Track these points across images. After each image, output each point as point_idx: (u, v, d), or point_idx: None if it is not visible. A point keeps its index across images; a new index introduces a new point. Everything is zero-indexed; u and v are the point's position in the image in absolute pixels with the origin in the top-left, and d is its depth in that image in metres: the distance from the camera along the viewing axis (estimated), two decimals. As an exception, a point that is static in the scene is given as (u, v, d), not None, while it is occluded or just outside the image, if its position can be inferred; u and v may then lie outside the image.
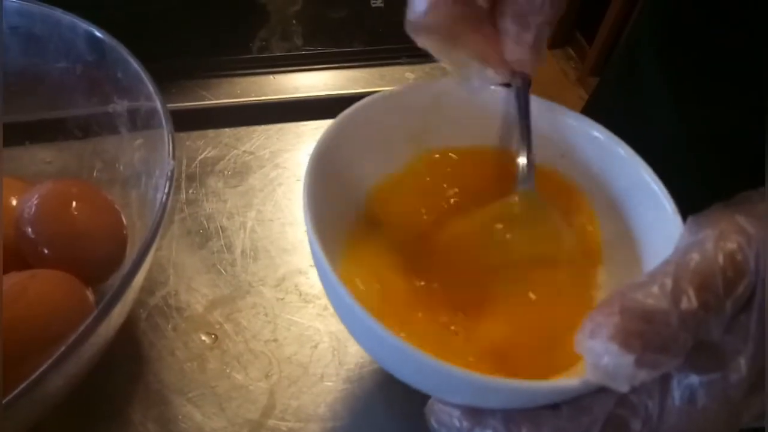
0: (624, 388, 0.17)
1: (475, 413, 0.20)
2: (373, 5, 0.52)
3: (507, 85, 0.27)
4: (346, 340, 0.33)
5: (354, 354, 0.32)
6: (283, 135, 0.43)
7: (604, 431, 0.18)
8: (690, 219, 0.20)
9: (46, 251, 0.27)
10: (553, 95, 0.28)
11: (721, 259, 0.17)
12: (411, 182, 0.29)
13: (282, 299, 0.34)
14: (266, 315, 0.33)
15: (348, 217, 0.27)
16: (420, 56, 0.52)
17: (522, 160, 0.27)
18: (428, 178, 0.29)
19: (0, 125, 0.27)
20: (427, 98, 0.28)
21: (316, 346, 0.32)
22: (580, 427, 0.19)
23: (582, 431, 0.19)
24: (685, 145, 0.38)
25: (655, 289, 0.17)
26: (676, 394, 0.18)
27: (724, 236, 0.18)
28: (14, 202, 0.30)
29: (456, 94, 0.28)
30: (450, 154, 0.29)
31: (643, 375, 0.17)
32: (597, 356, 0.17)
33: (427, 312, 0.25)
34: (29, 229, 0.28)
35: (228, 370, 0.31)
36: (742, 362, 0.17)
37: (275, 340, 0.32)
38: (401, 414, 0.31)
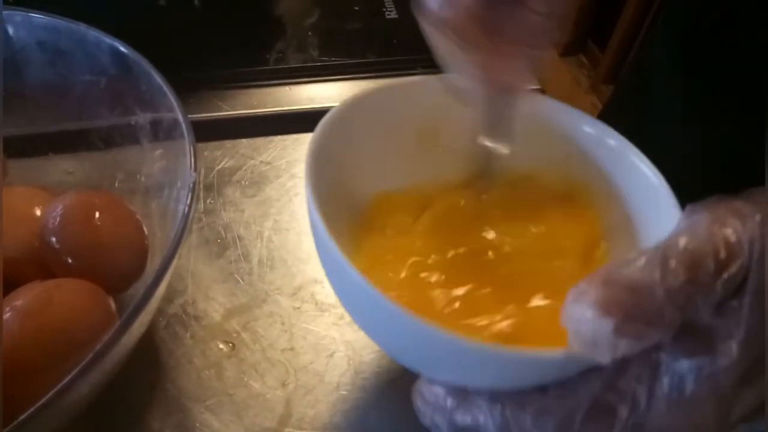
0: (605, 358, 0.17)
1: (461, 393, 0.20)
2: (388, 17, 0.53)
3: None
4: (362, 349, 0.33)
5: (369, 363, 0.32)
6: (299, 145, 0.43)
7: (589, 415, 0.18)
8: (688, 206, 0.20)
9: (70, 261, 0.28)
10: (565, 102, 0.28)
11: (713, 239, 0.17)
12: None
13: (298, 308, 0.34)
14: (283, 324, 0.34)
15: (350, 213, 0.27)
16: (434, 67, 0.52)
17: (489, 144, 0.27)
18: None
19: (0, 134, 0.28)
20: (437, 94, 0.28)
21: (331, 355, 0.33)
22: (565, 407, 0.18)
23: (567, 412, 0.18)
24: (698, 158, 0.38)
25: (643, 262, 0.17)
26: (665, 380, 0.18)
27: (719, 219, 0.18)
28: (38, 212, 0.30)
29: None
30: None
31: (624, 346, 0.17)
32: (577, 322, 0.17)
33: (432, 297, 0.25)
34: (54, 239, 0.28)
35: (245, 379, 0.31)
36: (733, 346, 0.17)
37: (291, 349, 0.33)
38: (418, 424, 0.31)
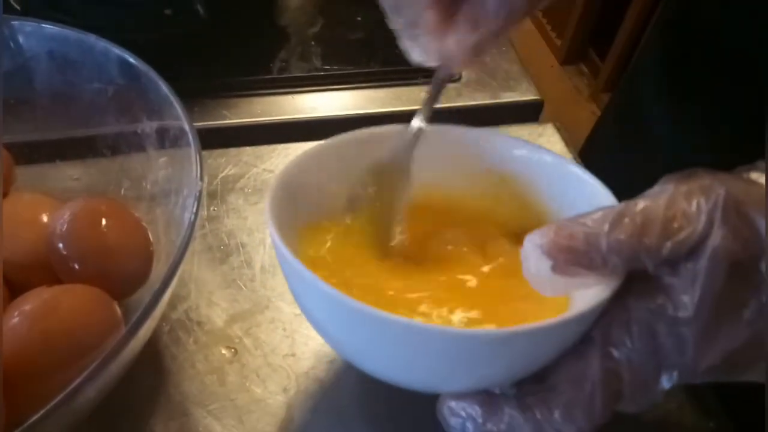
0: (547, 292, 0.20)
1: (487, 402, 0.21)
2: (390, 27, 0.54)
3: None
4: (362, 356, 0.33)
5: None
6: (301, 153, 0.44)
7: (605, 387, 0.20)
8: (665, 176, 0.21)
9: (76, 266, 0.28)
10: (565, 111, 0.29)
11: (671, 205, 0.19)
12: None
13: (300, 314, 0.35)
14: (284, 330, 0.34)
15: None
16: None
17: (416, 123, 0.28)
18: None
19: (0, 139, 0.28)
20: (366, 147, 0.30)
21: (332, 361, 0.33)
22: (584, 392, 0.20)
23: (587, 396, 0.20)
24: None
25: (597, 216, 0.20)
26: (635, 328, 0.20)
27: (685, 190, 0.20)
28: (45, 219, 0.31)
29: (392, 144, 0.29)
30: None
31: (563, 282, 0.20)
32: (526, 260, 0.20)
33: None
34: (61, 245, 0.29)
35: (247, 384, 0.32)
36: (686, 300, 0.19)
37: (293, 355, 0.33)
38: (420, 430, 0.31)
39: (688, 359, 0.20)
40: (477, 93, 0.51)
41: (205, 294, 0.35)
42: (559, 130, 0.46)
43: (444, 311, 0.25)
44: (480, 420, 0.21)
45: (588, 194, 0.26)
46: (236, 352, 0.33)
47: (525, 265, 0.20)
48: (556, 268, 0.20)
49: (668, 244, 0.19)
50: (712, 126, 0.38)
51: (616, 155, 0.29)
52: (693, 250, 0.19)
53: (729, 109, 0.36)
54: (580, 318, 0.20)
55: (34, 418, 0.19)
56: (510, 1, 0.23)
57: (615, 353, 0.20)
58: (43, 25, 0.32)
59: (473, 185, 0.31)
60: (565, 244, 0.19)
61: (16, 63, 0.33)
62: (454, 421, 0.22)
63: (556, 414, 0.20)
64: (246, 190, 0.41)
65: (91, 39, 0.32)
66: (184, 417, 0.31)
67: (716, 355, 0.20)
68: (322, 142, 0.29)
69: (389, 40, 0.53)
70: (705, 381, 0.21)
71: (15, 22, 0.32)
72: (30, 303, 0.26)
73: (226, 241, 0.38)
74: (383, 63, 0.50)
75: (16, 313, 0.25)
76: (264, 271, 0.37)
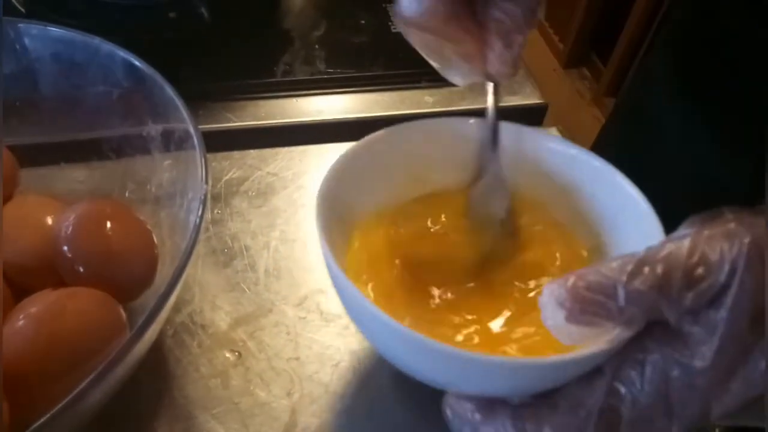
0: (565, 341, 0.20)
1: (487, 407, 0.22)
2: (394, 30, 0.54)
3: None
4: (367, 359, 0.33)
5: (374, 373, 0.33)
6: (306, 157, 0.44)
7: (601, 420, 0.20)
8: (690, 217, 0.21)
9: (81, 269, 0.28)
10: (567, 115, 0.29)
11: (693, 253, 0.19)
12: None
13: (304, 318, 0.35)
14: (288, 333, 0.34)
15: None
16: (439, 80, 0.53)
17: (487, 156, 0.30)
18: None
19: (1, 140, 0.28)
20: (422, 135, 0.31)
21: (336, 365, 0.33)
22: (578, 418, 0.20)
23: (581, 422, 0.20)
24: (693, 178, 0.39)
25: (615, 265, 0.19)
26: (648, 370, 0.20)
27: (709, 235, 0.19)
28: (50, 221, 0.31)
29: (452, 131, 0.31)
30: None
31: (577, 332, 0.19)
32: (543, 308, 0.20)
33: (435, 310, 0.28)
34: (66, 248, 0.29)
35: (251, 387, 0.32)
36: (705, 350, 0.19)
37: (297, 359, 0.33)
38: (420, 434, 0.31)
39: (697, 408, 0.19)
40: (481, 97, 0.50)
41: (209, 297, 0.35)
42: (562, 133, 0.46)
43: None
44: (476, 421, 0.22)
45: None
46: (240, 355, 0.33)
47: (543, 315, 0.20)
48: (569, 318, 0.19)
49: (690, 295, 0.19)
50: (722, 124, 0.37)
51: (623, 156, 0.29)
52: (715, 299, 0.19)
53: (740, 108, 0.36)
54: (592, 357, 0.20)
55: (41, 421, 0.19)
56: (531, 9, 0.25)
57: (621, 389, 0.20)
58: (49, 27, 0.32)
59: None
60: (581, 295, 0.19)
61: (22, 65, 0.33)
62: (453, 419, 0.23)
63: (546, 431, 0.21)
64: (250, 193, 0.41)
65: (97, 42, 0.32)
66: (188, 420, 0.31)
67: (727, 406, 0.19)
68: (354, 144, 0.29)
69: (393, 43, 0.54)
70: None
71: (21, 25, 0.32)
72: (35, 306, 0.26)
73: (230, 245, 0.38)
74: (387, 66, 0.51)
75: (21, 316, 0.25)
76: (268, 274, 0.37)
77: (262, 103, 0.47)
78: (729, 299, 0.18)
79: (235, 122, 0.46)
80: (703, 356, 0.19)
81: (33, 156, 0.35)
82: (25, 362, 0.24)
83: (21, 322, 0.25)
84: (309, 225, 0.39)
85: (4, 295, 0.28)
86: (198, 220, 0.25)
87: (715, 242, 0.19)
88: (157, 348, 0.33)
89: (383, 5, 0.56)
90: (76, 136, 0.35)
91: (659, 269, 0.19)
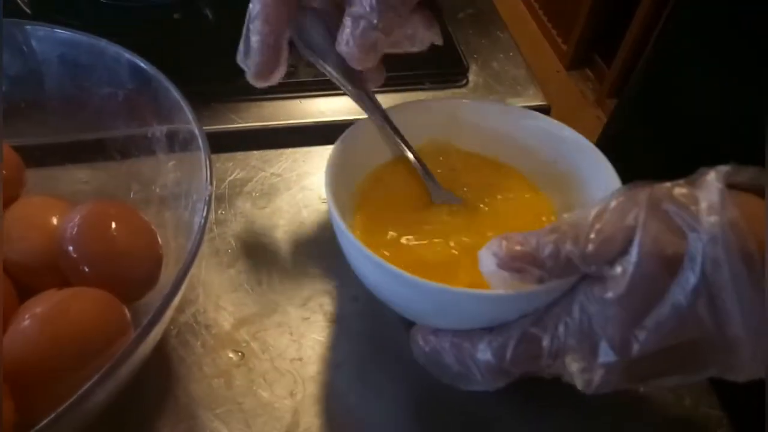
0: (498, 287, 0.24)
1: (437, 334, 0.27)
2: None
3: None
4: (369, 360, 0.33)
5: (377, 374, 0.33)
6: (309, 158, 0.44)
7: (520, 343, 0.25)
8: (620, 186, 0.25)
9: (86, 270, 0.29)
10: (571, 116, 0.30)
11: (599, 211, 0.23)
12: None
13: (307, 318, 0.35)
14: (291, 334, 0.34)
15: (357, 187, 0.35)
16: (441, 82, 0.53)
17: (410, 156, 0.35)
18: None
19: (1, 139, 0.28)
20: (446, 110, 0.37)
21: (339, 366, 0.33)
22: (502, 339, 0.25)
23: (502, 341, 0.25)
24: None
25: (548, 228, 0.24)
26: (574, 309, 0.24)
27: (616, 197, 0.23)
28: (55, 221, 0.31)
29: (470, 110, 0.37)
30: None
31: (507, 277, 0.24)
32: (479, 259, 0.24)
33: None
34: (71, 248, 0.29)
35: (254, 388, 0.32)
36: (618, 285, 0.22)
37: (300, 359, 0.33)
38: (422, 435, 0.31)
39: (616, 340, 0.23)
40: (484, 98, 0.51)
41: (213, 298, 0.35)
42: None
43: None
44: (428, 345, 0.28)
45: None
46: (243, 355, 0.33)
47: (479, 263, 0.24)
48: (500, 264, 0.24)
49: (590, 247, 0.22)
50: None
51: (631, 146, 0.31)
52: (625, 249, 0.22)
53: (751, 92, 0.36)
54: (530, 295, 0.25)
55: (46, 420, 0.20)
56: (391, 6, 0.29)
57: (548, 322, 0.24)
58: (56, 30, 0.32)
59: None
60: (510, 246, 0.24)
61: (28, 67, 0.33)
62: (413, 346, 0.28)
63: (475, 345, 0.26)
64: (254, 194, 0.41)
65: (103, 44, 0.32)
66: (191, 420, 0.31)
67: (644, 344, 0.22)
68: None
69: (396, 45, 0.53)
70: (643, 382, 0.25)
71: (28, 27, 0.32)
72: (40, 306, 0.26)
73: (234, 245, 0.38)
74: (389, 68, 0.50)
75: (26, 316, 0.26)
76: (271, 275, 0.37)
77: (265, 104, 0.47)
78: (635, 246, 0.22)
79: (239, 123, 0.46)
80: (615, 289, 0.22)
81: (39, 157, 0.35)
82: (29, 362, 0.24)
83: (26, 322, 0.25)
84: (312, 226, 0.39)
85: (10, 295, 0.28)
86: (203, 222, 0.26)
87: (619, 202, 0.23)
88: (161, 348, 0.33)
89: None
90: (82, 137, 0.35)
91: (567, 225, 0.23)
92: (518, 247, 0.23)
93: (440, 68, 0.51)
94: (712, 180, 0.22)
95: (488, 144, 0.37)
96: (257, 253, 0.38)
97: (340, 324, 0.35)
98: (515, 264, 0.23)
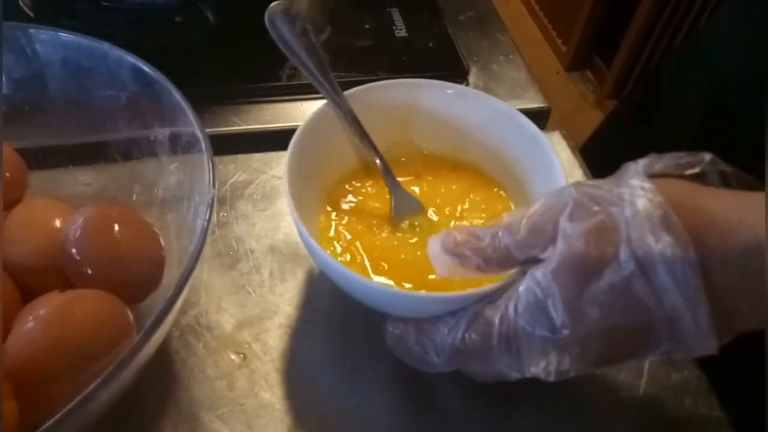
0: (442, 272, 0.27)
1: (402, 322, 0.29)
2: (398, 35, 0.54)
3: None
4: (370, 361, 0.34)
5: (377, 374, 0.33)
6: (310, 160, 0.44)
7: (472, 323, 0.26)
8: (566, 184, 0.27)
9: (89, 271, 0.29)
10: (571, 118, 0.30)
11: (531, 212, 0.26)
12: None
13: (307, 320, 0.35)
14: (292, 336, 0.34)
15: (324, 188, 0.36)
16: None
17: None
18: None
19: (1, 141, 0.29)
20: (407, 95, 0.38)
21: (340, 367, 0.33)
22: (456, 319, 0.27)
23: (455, 322, 0.27)
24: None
25: (492, 222, 0.27)
26: (522, 291, 0.25)
27: (550, 202, 0.25)
28: (58, 224, 0.31)
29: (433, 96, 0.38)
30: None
31: (450, 261, 0.26)
32: (428, 246, 0.27)
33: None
34: (74, 250, 0.29)
35: (256, 389, 0.32)
36: (549, 266, 0.24)
37: (301, 361, 0.33)
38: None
39: (561, 314, 0.24)
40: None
41: (215, 300, 0.36)
42: (566, 138, 0.46)
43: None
44: (397, 332, 0.29)
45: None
46: (245, 357, 0.33)
47: (428, 249, 0.27)
48: (444, 248, 0.26)
49: (522, 232, 0.25)
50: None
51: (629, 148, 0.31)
52: (554, 239, 0.24)
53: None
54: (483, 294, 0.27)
55: (49, 422, 0.20)
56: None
57: (501, 304, 0.26)
58: (59, 33, 0.33)
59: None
60: (455, 234, 0.26)
61: (32, 70, 0.33)
62: (387, 335, 0.30)
63: (430, 326, 0.27)
64: (255, 196, 0.41)
65: (105, 47, 0.32)
66: (193, 421, 0.31)
67: (590, 317, 0.24)
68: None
69: (397, 47, 0.54)
70: (602, 365, 0.26)
71: (31, 30, 0.33)
72: (43, 308, 0.26)
73: (235, 247, 0.38)
74: (391, 70, 0.51)
75: (29, 318, 0.26)
76: (272, 277, 0.37)
77: (267, 106, 0.47)
78: (562, 223, 0.24)
79: (241, 126, 0.46)
80: (548, 266, 0.24)
81: (42, 159, 0.35)
82: (33, 363, 0.25)
83: (29, 324, 0.25)
84: (313, 228, 0.40)
85: (13, 297, 0.28)
86: (205, 224, 0.26)
87: (551, 198, 0.25)
88: (164, 349, 0.33)
89: (387, 10, 0.56)
90: (84, 139, 0.35)
91: (506, 219, 0.26)
92: (462, 235, 0.26)
93: (440, 70, 0.51)
94: (632, 169, 0.25)
95: (446, 131, 0.38)
96: (258, 255, 0.38)
97: (340, 325, 0.35)
98: (458, 249, 0.26)
